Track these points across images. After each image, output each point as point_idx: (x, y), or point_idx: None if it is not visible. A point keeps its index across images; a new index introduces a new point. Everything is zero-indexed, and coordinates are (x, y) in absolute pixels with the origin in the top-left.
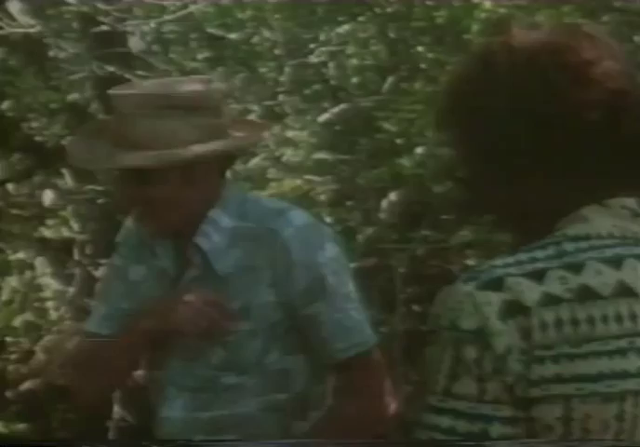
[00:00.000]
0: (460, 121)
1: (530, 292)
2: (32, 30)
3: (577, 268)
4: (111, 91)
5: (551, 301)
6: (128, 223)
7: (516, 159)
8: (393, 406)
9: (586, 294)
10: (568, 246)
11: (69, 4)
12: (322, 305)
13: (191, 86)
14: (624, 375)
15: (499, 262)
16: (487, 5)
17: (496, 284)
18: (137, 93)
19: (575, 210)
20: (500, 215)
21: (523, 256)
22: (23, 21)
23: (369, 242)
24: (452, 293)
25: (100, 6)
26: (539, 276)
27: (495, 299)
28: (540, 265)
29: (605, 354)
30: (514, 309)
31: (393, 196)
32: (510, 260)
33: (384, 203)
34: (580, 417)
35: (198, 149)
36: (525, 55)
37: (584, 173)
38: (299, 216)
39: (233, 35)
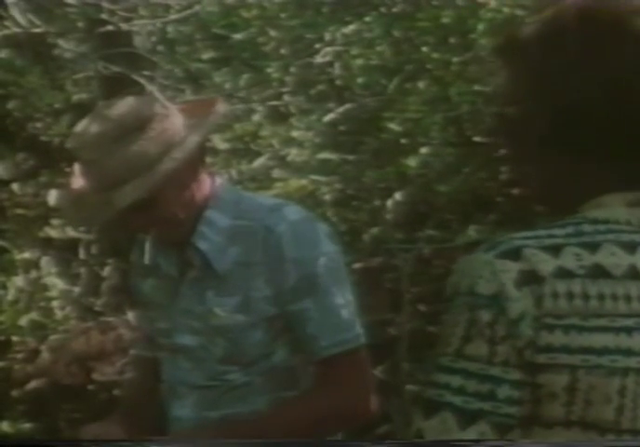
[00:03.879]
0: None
1: (545, 264)
2: (37, 30)
3: (592, 248)
4: (67, 145)
5: (564, 274)
6: (138, 242)
7: (557, 135)
8: (366, 406)
9: (598, 272)
10: (587, 227)
11: (75, 3)
12: (310, 302)
13: (122, 109)
14: (628, 353)
15: (518, 235)
16: (493, 4)
17: (514, 254)
18: (90, 136)
19: (597, 197)
20: (531, 191)
21: (542, 232)
22: (29, 21)
23: (375, 242)
24: (471, 262)
25: (106, 5)
26: (555, 250)
27: (512, 267)
28: (557, 241)
29: (611, 330)
30: (529, 278)
31: (398, 195)
32: (529, 234)
33: (389, 203)
34: (584, 388)
35: (178, 158)
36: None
37: (611, 160)
38: (293, 212)
39: (238, 35)
